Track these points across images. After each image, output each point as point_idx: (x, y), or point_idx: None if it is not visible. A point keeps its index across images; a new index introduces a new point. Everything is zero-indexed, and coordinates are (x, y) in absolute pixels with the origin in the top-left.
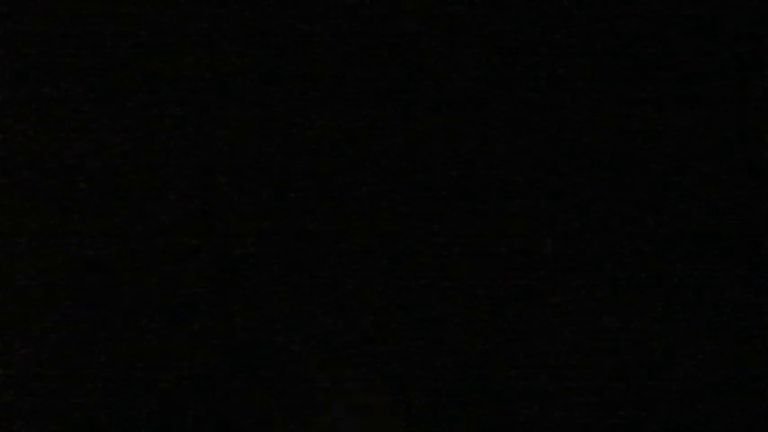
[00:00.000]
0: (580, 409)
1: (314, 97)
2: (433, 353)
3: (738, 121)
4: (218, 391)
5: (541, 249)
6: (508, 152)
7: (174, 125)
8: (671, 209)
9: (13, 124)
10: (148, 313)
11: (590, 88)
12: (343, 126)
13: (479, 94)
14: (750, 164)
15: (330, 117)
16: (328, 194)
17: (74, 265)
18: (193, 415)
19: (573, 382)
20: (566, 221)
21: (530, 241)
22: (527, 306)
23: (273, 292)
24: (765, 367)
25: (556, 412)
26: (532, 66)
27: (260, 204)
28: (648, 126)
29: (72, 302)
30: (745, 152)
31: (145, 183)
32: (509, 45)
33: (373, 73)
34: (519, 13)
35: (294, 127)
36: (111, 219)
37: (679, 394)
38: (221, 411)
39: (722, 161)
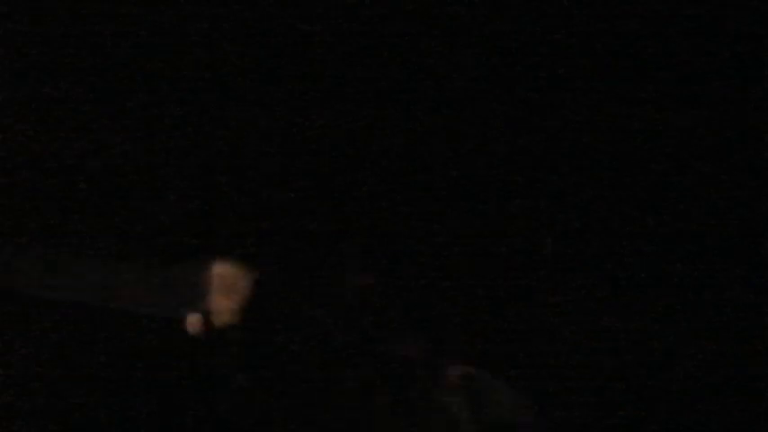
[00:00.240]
0: (580, 409)
1: (314, 97)
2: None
3: (738, 121)
4: (217, 391)
5: (541, 249)
6: (508, 152)
7: (174, 125)
8: (671, 209)
9: (13, 124)
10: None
11: (590, 88)
12: (343, 126)
13: (479, 94)
14: (750, 164)
15: (330, 117)
16: (328, 194)
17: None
18: (193, 415)
19: (573, 382)
20: (566, 221)
21: (530, 241)
22: (527, 306)
23: (273, 293)
24: (765, 367)
25: (556, 412)
26: (532, 66)
27: (260, 204)
28: (648, 126)
29: (72, 303)
30: (745, 152)
31: (145, 183)
32: (509, 45)
33: (373, 73)
34: (519, 13)
35: (294, 127)
36: (111, 219)
37: (679, 394)
38: (221, 411)
39: (722, 161)
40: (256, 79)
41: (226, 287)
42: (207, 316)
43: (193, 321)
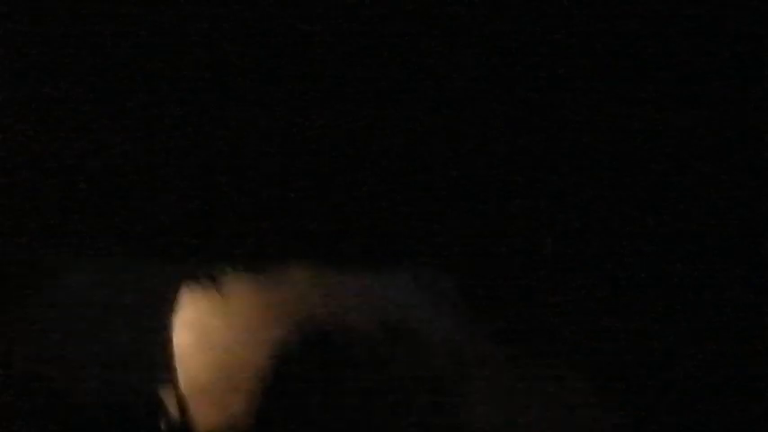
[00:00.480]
0: (580, 409)
1: (314, 97)
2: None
3: (738, 121)
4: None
5: (541, 249)
6: (508, 152)
7: (174, 125)
8: (671, 209)
9: (13, 124)
10: (149, 313)
11: (590, 88)
12: (343, 126)
13: (479, 94)
14: (750, 164)
15: (330, 117)
16: (328, 194)
17: (74, 265)
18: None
19: (573, 382)
20: (566, 221)
21: (530, 241)
22: (527, 306)
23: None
24: (765, 367)
25: (556, 412)
26: (532, 66)
27: (260, 204)
28: (648, 126)
29: (72, 301)
30: (745, 152)
31: (145, 183)
32: (509, 45)
33: (373, 73)
34: (519, 13)
35: (294, 127)
36: (111, 219)
37: (679, 394)
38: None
39: (722, 161)
40: (256, 79)
41: None
42: None
43: None
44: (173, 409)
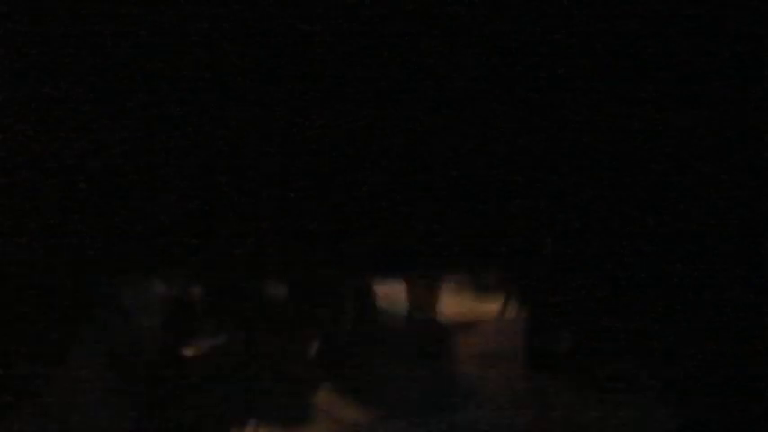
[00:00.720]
0: (580, 408)
1: (314, 97)
2: (433, 353)
3: (738, 121)
4: (217, 391)
5: (541, 249)
6: (508, 152)
7: (174, 125)
8: (671, 209)
9: (13, 124)
10: (148, 313)
11: (590, 88)
12: (343, 126)
13: (479, 94)
14: (750, 164)
15: (330, 117)
16: (328, 194)
17: (74, 265)
18: (193, 415)
19: (573, 382)
20: (566, 221)
21: (530, 241)
22: (527, 306)
23: (273, 292)
24: (765, 367)
25: (556, 412)
26: (532, 66)
27: (260, 204)
28: (648, 126)
29: (72, 302)
30: (745, 152)
31: (145, 183)
32: (509, 45)
33: (373, 73)
34: (519, 13)
35: (294, 127)
36: (111, 219)
37: (679, 394)
38: (221, 411)
39: (722, 161)
40: (256, 79)
41: None
42: None
43: None
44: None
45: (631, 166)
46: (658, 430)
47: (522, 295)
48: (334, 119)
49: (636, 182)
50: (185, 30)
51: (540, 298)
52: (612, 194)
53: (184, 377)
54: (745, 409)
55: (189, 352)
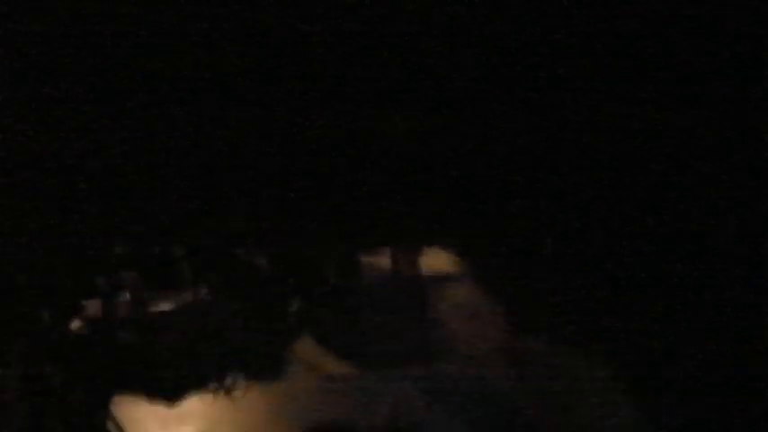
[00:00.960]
0: (580, 408)
1: (314, 97)
2: (433, 353)
3: (738, 121)
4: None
5: (541, 249)
6: (508, 152)
7: (174, 125)
8: (671, 209)
9: (13, 124)
10: (148, 313)
11: (590, 88)
12: (343, 126)
13: (479, 94)
14: (750, 164)
15: (330, 117)
16: (328, 194)
17: (74, 265)
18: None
19: (573, 382)
20: (566, 221)
21: (530, 241)
22: (527, 306)
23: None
24: (765, 367)
25: (556, 412)
26: (532, 66)
27: (260, 204)
28: (648, 126)
29: (72, 302)
30: (745, 152)
31: (145, 183)
32: (509, 45)
33: (373, 73)
34: (519, 13)
35: (294, 127)
36: (111, 219)
37: (679, 394)
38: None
39: (722, 161)
40: (256, 79)
41: None
42: None
43: None
44: None
45: (631, 166)
46: (658, 430)
47: (522, 295)
48: (334, 119)
49: (636, 182)
50: (185, 30)
51: (540, 297)
52: (612, 194)
53: (164, 331)
54: (745, 409)
55: (167, 306)
